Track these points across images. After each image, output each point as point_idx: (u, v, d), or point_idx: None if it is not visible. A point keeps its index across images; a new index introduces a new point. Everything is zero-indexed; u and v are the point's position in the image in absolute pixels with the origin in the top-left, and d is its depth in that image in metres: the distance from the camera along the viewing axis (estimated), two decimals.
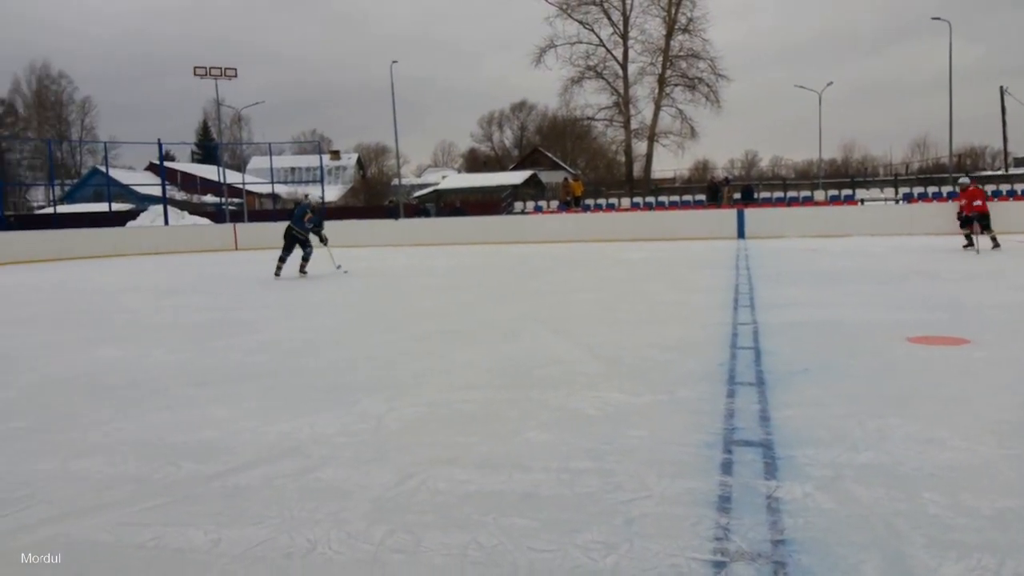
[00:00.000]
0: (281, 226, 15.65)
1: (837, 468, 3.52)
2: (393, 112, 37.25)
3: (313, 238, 15.23)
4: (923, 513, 3.01)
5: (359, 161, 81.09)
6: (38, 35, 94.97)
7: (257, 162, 70.66)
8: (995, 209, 24.41)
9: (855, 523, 2.94)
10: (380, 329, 8.42)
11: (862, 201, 32.26)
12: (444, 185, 50.44)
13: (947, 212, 24.99)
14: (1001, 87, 55.65)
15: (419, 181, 69.45)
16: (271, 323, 9.08)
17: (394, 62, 36.82)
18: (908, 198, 33.05)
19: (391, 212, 35.79)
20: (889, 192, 35.82)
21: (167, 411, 4.97)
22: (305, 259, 15.11)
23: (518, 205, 37.52)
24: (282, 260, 15.02)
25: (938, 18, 37.04)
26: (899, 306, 8.66)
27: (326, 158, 64.77)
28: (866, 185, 41.32)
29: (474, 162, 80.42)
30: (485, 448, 4.00)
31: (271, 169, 39.45)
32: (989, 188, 26.92)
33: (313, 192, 38.75)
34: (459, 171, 74.15)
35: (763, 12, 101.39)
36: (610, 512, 3.11)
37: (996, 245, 16.31)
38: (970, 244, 16.65)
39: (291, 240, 15.01)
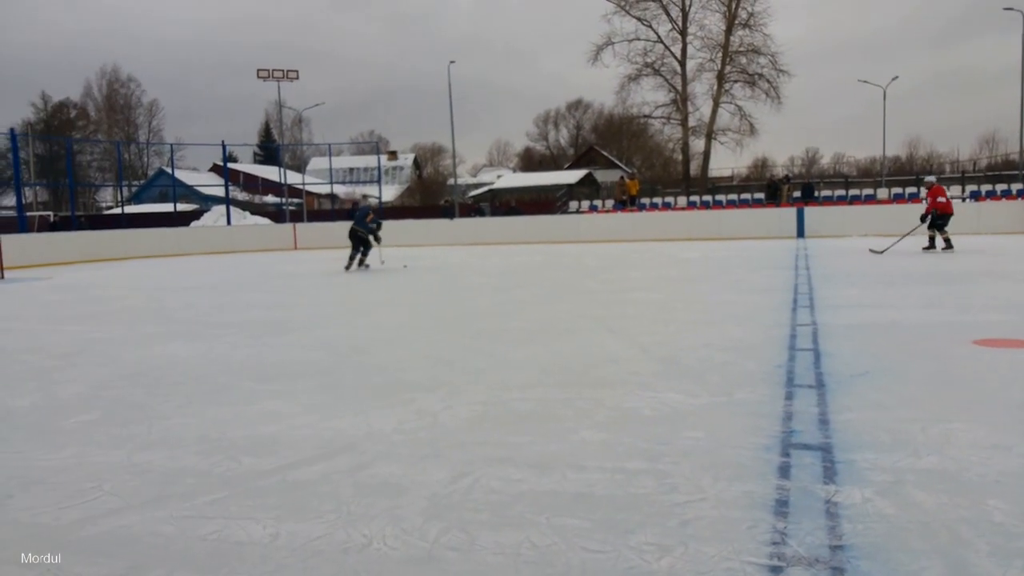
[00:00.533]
0: (339, 226, 16.26)
1: (898, 473, 3.44)
2: (450, 112, 37.54)
3: (372, 237, 16.70)
4: (988, 520, 2.92)
5: (415, 161, 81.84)
6: (110, 42, 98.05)
7: (316, 163, 71.82)
8: None
9: (916, 529, 2.87)
10: (437, 327, 8.49)
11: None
12: (499, 184, 50.58)
13: (1016, 211, 24.23)
14: None
15: (474, 180, 69.78)
16: (330, 321, 9.24)
17: (452, 62, 37.10)
18: (975, 196, 32.00)
19: (446, 212, 36.05)
20: (956, 190, 34.73)
21: (228, 406, 5.10)
22: (364, 254, 16.69)
23: (573, 204, 37.40)
24: (352, 258, 16.65)
25: (1010, 8, 35.77)
26: (964, 307, 8.41)
27: (383, 158, 65.48)
28: None
29: (529, 161, 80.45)
30: (539, 447, 4.01)
31: (330, 170, 40.01)
32: None
33: (372, 193, 39.22)
34: (514, 170, 74.26)
35: (826, 6, 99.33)
36: (665, 513, 3.09)
37: (948, 247, 16.46)
38: (931, 247, 16.79)
39: (356, 239, 16.57)
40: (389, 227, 20.89)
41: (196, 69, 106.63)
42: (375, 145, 57.22)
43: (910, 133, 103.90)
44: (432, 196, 64.45)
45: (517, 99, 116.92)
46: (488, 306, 10.26)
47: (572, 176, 49.52)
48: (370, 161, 64.84)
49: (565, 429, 4.31)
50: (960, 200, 31.35)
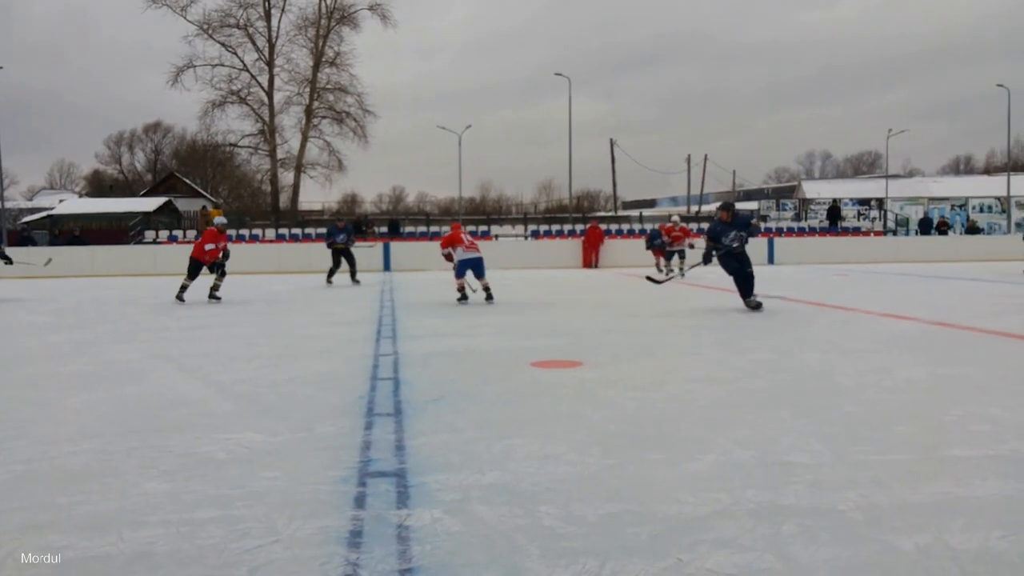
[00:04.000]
0: None
1: (465, 490, 3.64)
2: None
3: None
4: (539, 525, 3.21)
5: None
6: None
7: None
8: (607, 247, 27.65)
9: (479, 543, 3.04)
10: None
11: (496, 236, 34.73)
12: (61, 210, 45.05)
13: (568, 248, 27.95)
14: (611, 140, 64.08)
15: (30, 205, 61.38)
16: None
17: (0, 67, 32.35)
18: (535, 235, 36.26)
19: None
20: (520, 229, 39.02)
21: None
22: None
23: (150, 234, 34.72)
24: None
25: (560, 74, 41.42)
26: (526, 334, 9.37)
27: None
28: (500, 222, 44.61)
29: (99, 186, 73.13)
30: (92, 506, 3.53)
31: None
32: (603, 226, 30.48)
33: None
34: (81, 195, 66.88)
35: (422, 55, 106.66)
36: (234, 562, 2.90)
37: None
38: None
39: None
40: None
41: None
42: None
43: (484, 177, 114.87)
44: None
45: (87, 117, 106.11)
46: (40, 348, 8.95)
47: (150, 204, 45.94)
48: None
49: (125, 483, 3.87)
50: (523, 238, 35.22)
